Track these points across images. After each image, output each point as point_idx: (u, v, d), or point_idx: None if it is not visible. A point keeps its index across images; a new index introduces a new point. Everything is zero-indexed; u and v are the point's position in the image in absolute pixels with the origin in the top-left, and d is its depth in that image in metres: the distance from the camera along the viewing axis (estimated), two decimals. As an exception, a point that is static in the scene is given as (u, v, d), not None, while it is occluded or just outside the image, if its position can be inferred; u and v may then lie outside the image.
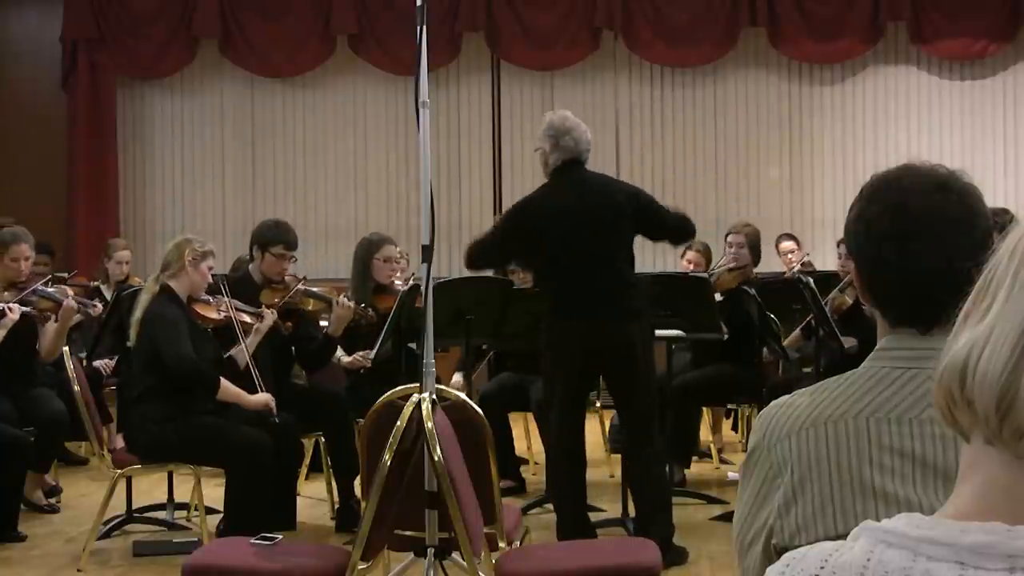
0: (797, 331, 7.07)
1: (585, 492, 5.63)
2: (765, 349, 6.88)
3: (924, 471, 1.58)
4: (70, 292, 6.55)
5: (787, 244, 8.93)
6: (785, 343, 6.92)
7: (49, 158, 10.75)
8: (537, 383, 6.68)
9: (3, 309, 6.04)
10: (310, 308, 6.26)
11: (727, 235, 7.26)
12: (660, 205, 5.62)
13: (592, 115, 10.65)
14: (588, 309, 5.28)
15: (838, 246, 7.74)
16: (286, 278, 6.26)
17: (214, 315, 5.79)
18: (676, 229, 5.65)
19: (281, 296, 6.13)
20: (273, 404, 5.73)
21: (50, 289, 6.43)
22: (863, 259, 1.73)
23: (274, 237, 6.22)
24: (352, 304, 6.16)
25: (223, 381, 5.60)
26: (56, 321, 6.30)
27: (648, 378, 5.47)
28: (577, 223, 5.28)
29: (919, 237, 1.66)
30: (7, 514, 5.92)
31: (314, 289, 6.36)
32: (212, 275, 5.84)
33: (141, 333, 5.56)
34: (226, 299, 5.85)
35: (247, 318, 5.92)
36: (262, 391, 5.73)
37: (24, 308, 6.13)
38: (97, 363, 7.01)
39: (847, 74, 10.68)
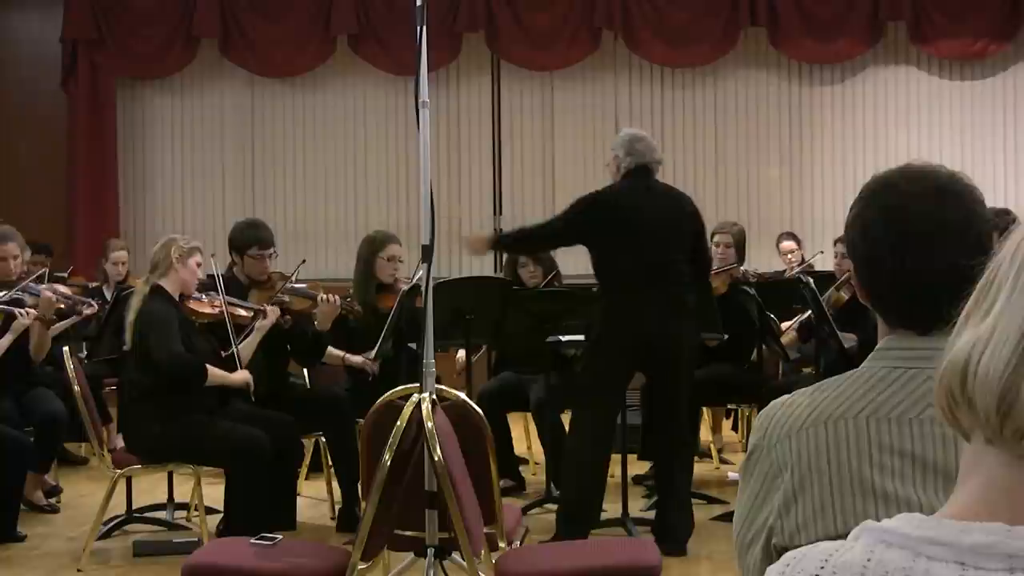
0: (792, 332, 7.03)
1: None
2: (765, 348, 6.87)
3: (924, 471, 1.58)
4: (60, 288, 6.57)
5: (788, 244, 8.91)
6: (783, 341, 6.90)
7: (49, 158, 10.75)
8: (537, 383, 6.68)
9: (13, 313, 6.04)
10: (297, 307, 6.23)
11: (713, 235, 7.15)
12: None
13: (592, 115, 10.68)
14: (651, 301, 5.40)
15: (835, 245, 7.74)
16: (271, 275, 6.24)
17: (208, 310, 5.80)
18: (707, 264, 5.94)
19: (269, 296, 6.11)
20: (251, 383, 5.74)
21: (41, 286, 6.46)
22: (860, 262, 1.73)
23: (248, 239, 6.19)
24: (337, 299, 6.15)
25: (209, 367, 5.59)
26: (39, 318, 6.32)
27: (692, 378, 5.68)
28: (650, 219, 5.45)
29: (916, 242, 1.65)
30: (7, 514, 5.92)
31: (299, 286, 6.33)
32: (210, 273, 5.84)
33: (135, 334, 5.56)
34: (220, 296, 5.85)
35: (242, 312, 5.92)
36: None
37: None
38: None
39: (847, 74, 10.68)
